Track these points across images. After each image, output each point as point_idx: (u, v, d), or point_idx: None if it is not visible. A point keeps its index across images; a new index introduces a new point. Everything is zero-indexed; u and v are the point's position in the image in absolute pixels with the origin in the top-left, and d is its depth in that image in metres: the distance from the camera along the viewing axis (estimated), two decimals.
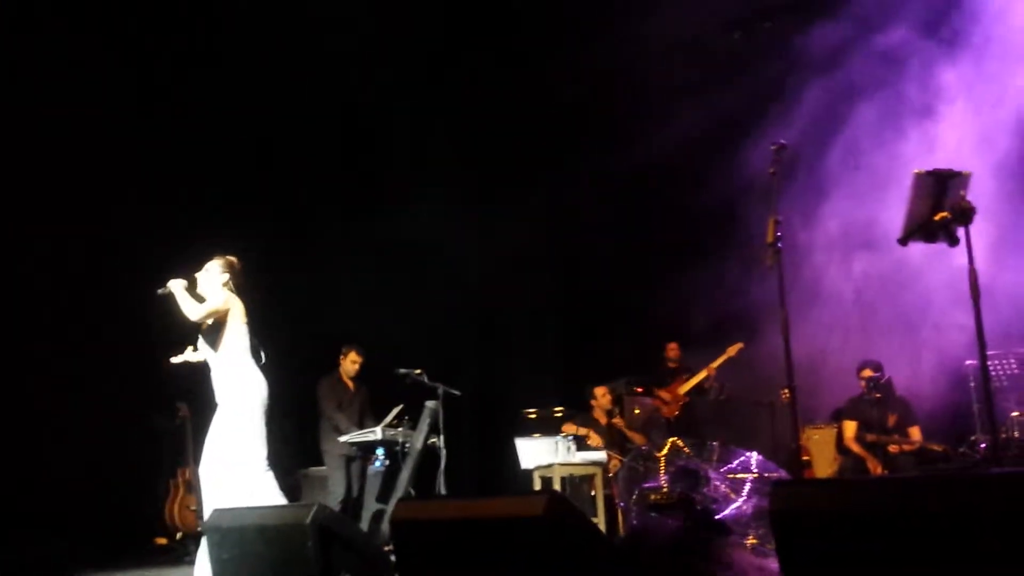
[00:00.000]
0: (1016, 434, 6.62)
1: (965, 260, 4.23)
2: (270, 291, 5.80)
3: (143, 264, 7.76)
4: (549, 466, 7.33)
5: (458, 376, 7.79)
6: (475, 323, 10.36)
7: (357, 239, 9.07)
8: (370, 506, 7.67)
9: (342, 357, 7.91)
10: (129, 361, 7.90)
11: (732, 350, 8.33)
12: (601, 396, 8.45)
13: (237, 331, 5.43)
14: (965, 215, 4.28)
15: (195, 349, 5.58)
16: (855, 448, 7.23)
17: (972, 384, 6.96)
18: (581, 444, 7.74)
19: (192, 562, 5.53)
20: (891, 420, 7.20)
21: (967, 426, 6.96)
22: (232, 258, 5.62)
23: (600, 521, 7.15)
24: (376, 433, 7.30)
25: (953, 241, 4.40)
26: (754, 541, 5.36)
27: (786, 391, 5.93)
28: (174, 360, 5.63)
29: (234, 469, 5.18)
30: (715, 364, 8.39)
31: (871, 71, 7.53)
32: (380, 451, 7.65)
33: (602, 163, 9.45)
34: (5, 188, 7.22)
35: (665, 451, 6.14)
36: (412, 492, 7.09)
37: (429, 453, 7.19)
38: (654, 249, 9.18)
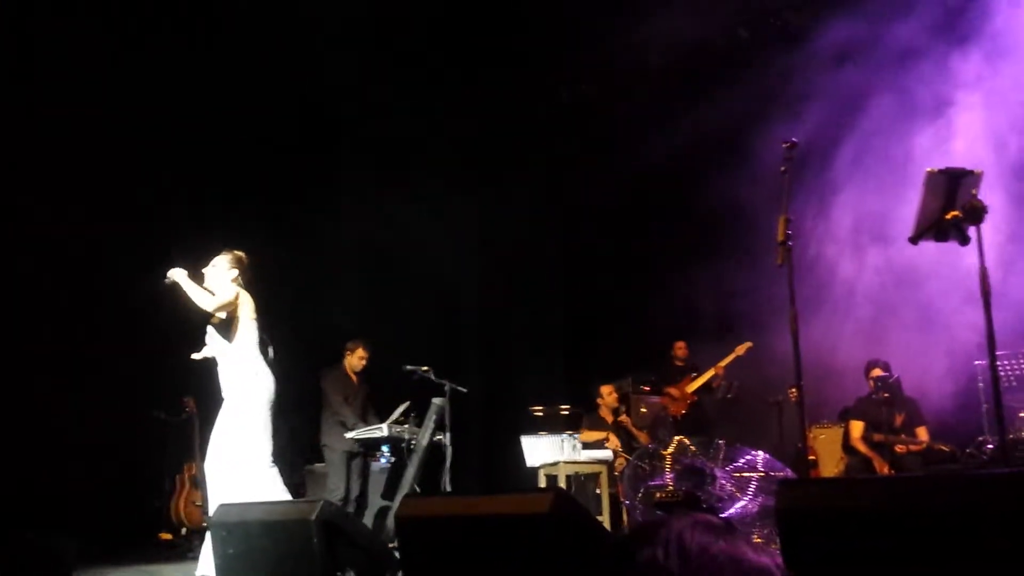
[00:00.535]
0: None
1: (976, 259, 4.20)
2: (273, 285, 5.75)
3: (149, 258, 7.79)
4: (555, 464, 7.32)
5: (464, 373, 7.79)
6: (482, 320, 10.35)
7: (361, 235, 9.07)
8: (375, 503, 7.67)
9: (348, 352, 7.88)
10: (134, 356, 7.92)
11: (740, 349, 8.31)
12: (607, 395, 8.44)
13: (247, 326, 5.41)
14: (977, 214, 4.24)
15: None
16: (862, 448, 7.21)
17: (980, 384, 6.92)
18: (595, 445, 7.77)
19: (196, 558, 5.53)
20: (898, 420, 7.17)
21: (975, 426, 6.92)
22: (240, 253, 5.60)
23: (605, 519, 7.14)
24: (382, 430, 7.28)
25: (964, 240, 4.37)
26: (759, 540, 5.34)
27: (794, 390, 5.92)
28: (196, 356, 5.60)
29: (239, 465, 5.19)
30: (723, 363, 8.37)
31: (882, 68, 7.48)
32: (385, 448, 7.65)
33: (610, 160, 9.43)
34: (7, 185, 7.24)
35: (671, 449, 6.12)
36: (417, 489, 7.08)
37: (435, 450, 7.18)
38: (662, 247, 9.16)
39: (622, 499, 7.38)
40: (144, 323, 7.61)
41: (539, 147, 9.82)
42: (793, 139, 4.69)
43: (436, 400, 7.17)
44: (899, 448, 7.07)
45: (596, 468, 7.44)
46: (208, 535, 4.79)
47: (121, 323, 7.84)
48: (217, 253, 5.56)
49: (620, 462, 7.58)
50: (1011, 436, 6.41)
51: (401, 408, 7.43)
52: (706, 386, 8.50)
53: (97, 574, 6.05)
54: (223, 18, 8.15)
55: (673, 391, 8.57)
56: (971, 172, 4.40)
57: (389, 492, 7.49)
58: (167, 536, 8.04)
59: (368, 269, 9.20)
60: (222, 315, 5.39)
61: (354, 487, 7.61)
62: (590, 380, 8.71)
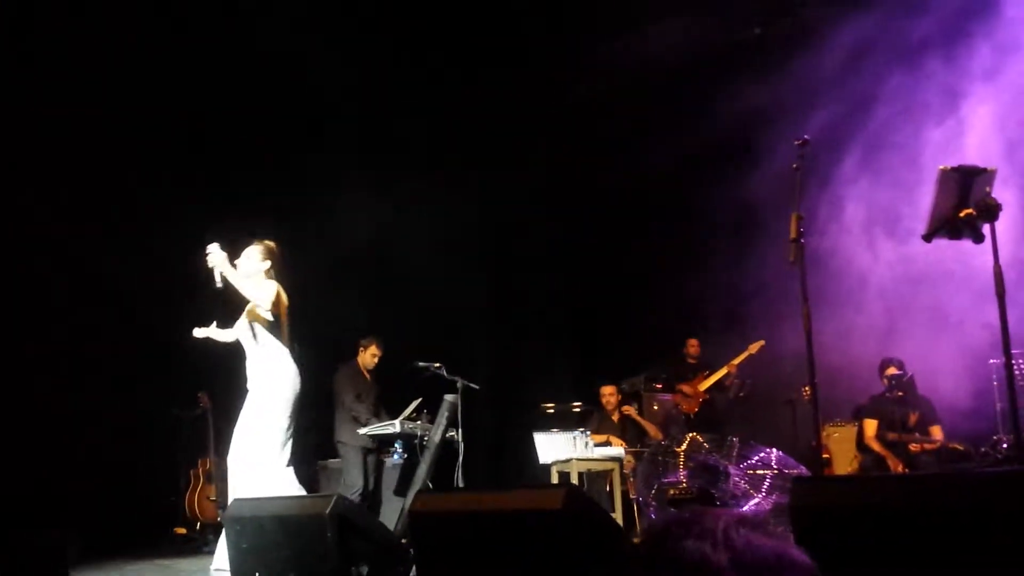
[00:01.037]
0: None
1: (990, 257, 4.19)
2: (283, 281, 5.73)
3: (165, 253, 7.85)
4: (567, 461, 7.33)
5: (477, 370, 7.80)
6: (494, 317, 10.36)
7: (371, 232, 9.09)
8: (388, 499, 7.70)
9: (362, 349, 7.90)
10: (149, 351, 7.96)
11: (754, 347, 8.29)
12: (608, 395, 8.47)
13: (278, 321, 5.34)
14: (991, 212, 4.23)
15: (220, 326, 5.50)
16: (875, 447, 7.19)
17: (995, 383, 6.89)
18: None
19: (211, 552, 5.56)
20: (912, 419, 7.15)
21: (989, 425, 6.89)
22: (271, 243, 5.46)
23: (617, 516, 7.15)
24: (395, 426, 7.31)
25: (978, 238, 4.36)
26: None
27: (807, 388, 5.91)
28: (198, 333, 5.51)
29: (257, 466, 5.18)
30: (736, 361, 8.36)
31: (895, 63, 7.45)
32: (398, 444, 7.67)
33: (624, 157, 9.43)
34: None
35: (685, 446, 6.12)
36: (430, 485, 7.10)
37: (447, 447, 7.20)
38: (675, 244, 9.14)
39: (634, 496, 7.39)
40: (158, 318, 7.65)
41: (548, 143, 9.81)
42: (805, 136, 4.69)
43: (448, 397, 7.19)
44: (913, 447, 7.05)
45: (608, 465, 7.44)
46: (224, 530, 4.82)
47: (134, 318, 7.88)
48: (249, 243, 5.43)
49: (628, 459, 7.59)
50: None
51: (413, 404, 7.45)
52: (719, 384, 8.49)
53: (113, 569, 6.09)
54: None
55: (686, 389, 8.57)
56: (985, 170, 4.39)
57: (402, 489, 7.52)
58: (182, 531, 8.09)
59: (378, 265, 9.21)
60: (269, 315, 5.26)
61: (368, 483, 7.65)
62: (602, 377, 8.71)
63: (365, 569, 4.16)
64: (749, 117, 8.13)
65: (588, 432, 7.55)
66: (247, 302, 5.29)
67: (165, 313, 7.40)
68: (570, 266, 10.41)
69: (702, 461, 5.90)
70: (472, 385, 7.25)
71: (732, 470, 5.79)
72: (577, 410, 8.51)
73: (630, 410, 8.47)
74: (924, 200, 4.60)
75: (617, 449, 7.67)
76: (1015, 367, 6.17)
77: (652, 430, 8.30)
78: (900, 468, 6.91)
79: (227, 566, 4.69)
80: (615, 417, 8.42)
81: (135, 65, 7.82)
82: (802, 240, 4.48)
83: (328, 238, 8.93)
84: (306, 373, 5.53)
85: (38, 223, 7.44)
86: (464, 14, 8.65)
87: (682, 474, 5.92)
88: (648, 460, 6.59)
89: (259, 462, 5.18)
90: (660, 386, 8.85)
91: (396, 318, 8.77)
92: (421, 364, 7.29)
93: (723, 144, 8.48)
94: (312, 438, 8.00)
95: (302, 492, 5.38)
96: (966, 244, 4.46)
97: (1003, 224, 4.29)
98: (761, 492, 5.65)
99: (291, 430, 5.32)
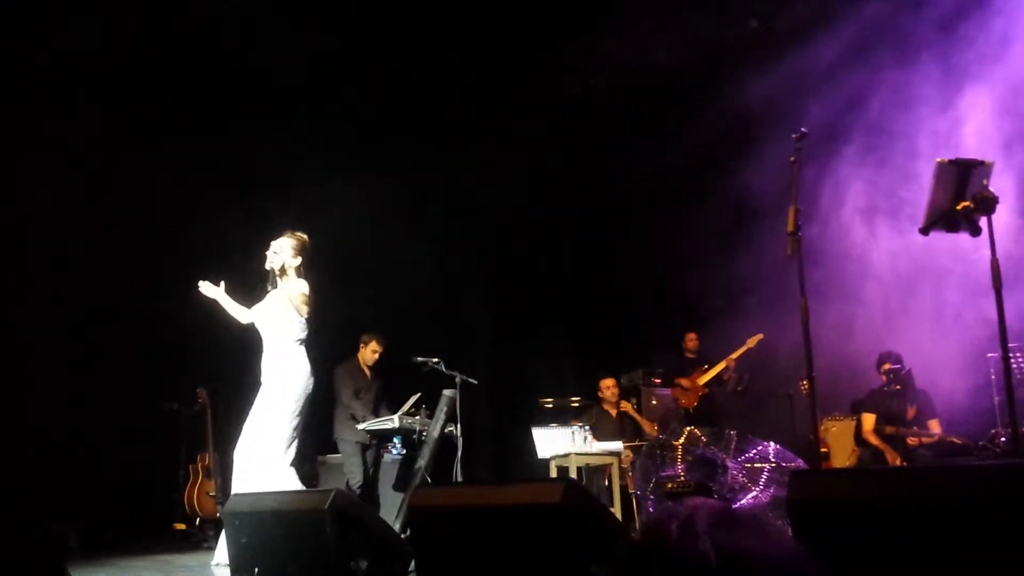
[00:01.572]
0: None
1: (988, 251, 4.19)
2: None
3: (165, 250, 7.85)
4: (566, 455, 7.33)
5: (475, 365, 7.80)
6: (492, 312, 10.36)
7: (371, 227, 9.09)
8: (387, 494, 7.70)
9: (362, 345, 7.90)
10: (148, 347, 7.96)
11: (752, 341, 8.30)
12: (607, 388, 8.47)
13: (302, 319, 5.34)
14: (988, 205, 4.23)
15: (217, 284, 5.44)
16: (874, 440, 7.20)
17: (993, 377, 6.90)
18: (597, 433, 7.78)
19: (211, 548, 5.57)
20: (910, 412, 7.16)
21: (987, 419, 6.90)
22: (304, 236, 5.41)
23: (616, 511, 7.16)
24: (393, 421, 7.32)
25: (975, 231, 4.36)
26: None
27: (805, 382, 5.92)
28: (204, 289, 5.42)
29: (268, 458, 5.18)
30: (735, 355, 8.36)
31: (893, 58, 7.46)
32: (397, 439, 7.68)
33: (621, 152, 9.43)
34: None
35: (683, 440, 6.13)
36: (429, 481, 7.11)
37: (446, 442, 7.21)
38: (672, 238, 9.15)
39: (632, 490, 7.40)
40: (157, 313, 7.65)
41: (547, 140, 9.81)
42: (803, 129, 4.68)
43: (447, 392, 7.20)
44: (911, 440, 7.06)
45: (607, 460, 7.45)
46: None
47: (133, 313, 7.88)
48: (281, 234, 5.38)
49: (626, 455, 7.59)
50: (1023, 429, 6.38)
51: (412, 400, 7.46)
52: (717, 378, 8.50)
53: (112, 564, 6.09)
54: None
55: (684, 383, 8.58)
56: (982, 162, 4.39)
57: (401, 484, 7.53)
58: (181, 526, 8.10)
59: (377, 260, 9.21)
60: (304, 315, 5.25)
61: (367, 478, 7.65)
62: (601, 372, 8.72)
63: (364, 564, 4.17)
64: (747, 110, 8.13)
65: (587, 427, 7.56)
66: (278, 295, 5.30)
67: (165, 308, 7.40)
68: (568, 261, 10.41)
69: (700, 455, 5.91)
70: (471, 380, 7.25)
71: (730, 463, 5.80)
72: (575, 405, 8.51)
73: (628, 406, 8.47)
74: (923, 193, 4.60)
75: (616, 443, 7.67)
76: (1013, 361, 6.18)
77: (648, 427, 8.31)
78: (898, 462, 6.92)
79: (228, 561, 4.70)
80: (613, 412, 8.42)
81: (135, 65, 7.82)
82: (800, 233, 4.48)
83: (328, 233, 8.93)
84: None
85: (34, 218, 7.43)
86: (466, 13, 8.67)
87: (680, 468, 5.93)
88: (646, 454, 6.59)
89: (269, 460, 5.18)
90: (659, 381, 8.86)
91: (395, 313, 8.77)
92: (419, 359, 7.29)
93: (721, 137, 8.47)
94: (312, 433, 8.01)
95: (299, 485, 5.39)
96: (964, 237, 4.46)
97: (1001, 217, 4.29)
98: (759, 485, 5.66)
99: (299, 429, 5.33)
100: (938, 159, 4.43)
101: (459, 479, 6.97)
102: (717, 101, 8.42)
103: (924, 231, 4.55)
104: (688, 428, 6.49)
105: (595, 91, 9.65)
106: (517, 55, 9.20)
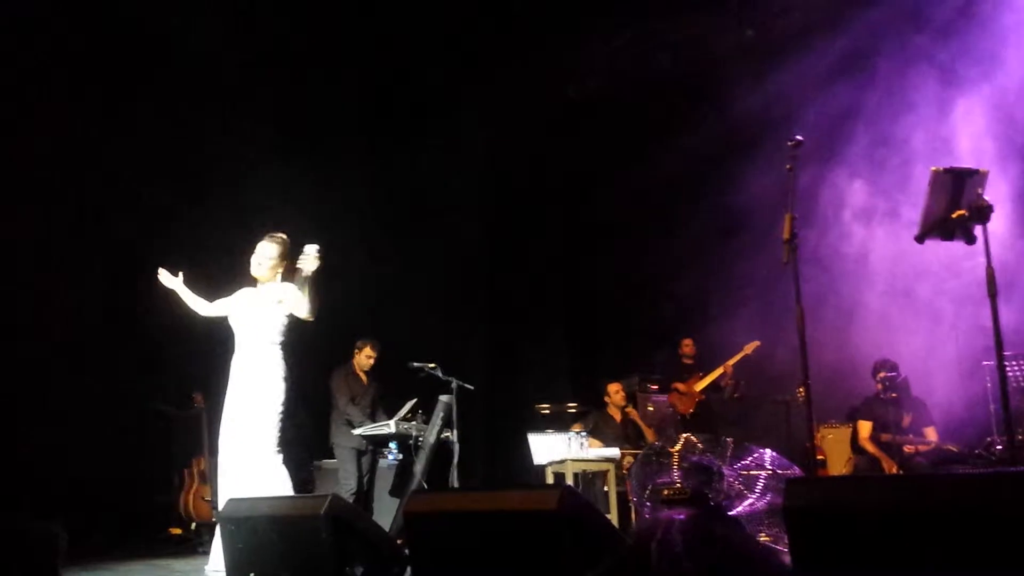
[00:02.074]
0: None
1: (983, 258, 4.21)
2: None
3: (156, 253, 7.82)
4: (562, 462, 7.33)
5: (472, 371, 7.80)
6: (489, 318, 10.37)
7: (369, 231, 9.10)
8: (383, 500, 7.70)
9: (357, 351, 7.90)
10: (142, 350, 7.95)
11: (748, 348, 8.31)
12: (614, 392, 8.45)
13: (291, 323, 5.36)
14: (983, 213, 4.25)
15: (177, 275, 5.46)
16: (870, 448, 7.20)
17: (989, 385, 6.91)
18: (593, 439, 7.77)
19: (206, 552, 5.55)
20: (906, 420, 7.16)
21: (983, 427, 6.91)
22: (284, 237, 5.43)
23: (613, 517, 7.15)
24: (389, 427, 7.31)
25: (970, 239, 4.38)
26: (767, 538, 5.35)
27: (801, 389, 5.92)
28: (164, 278, 5.44)
29: (257, 455, 5.18)
30: (731, 362, 8.38)
31: (890, 65, 7.48)
32: (393, 445, 7.67)
33: (617, 160, 9.44)
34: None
35: (679, 447, 6.13)
36: (425, 486, 7.11)
37: (442, 447, 7.20)
38: (669, 244, 9.16)
39: (630, 497, 7.39)
40: (153, 316, 7.64)
41: (544, 145, 9.83)
42: (799, 137, 4.69)
43: (443, 397, 7.20)
44: (907, 448, 7.06)
45: (604, 466, 7.45)
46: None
47: (126, 316, 7.87)
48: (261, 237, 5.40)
49: (628, 460, 7.59)
50: (1019, 437, 6.39)
51: (408, 405, 7.45)
52: (714, 385, 8.51)
53: (107, 568, 6.08)
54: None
55: (681, 388, 8.58)
56: (977, 171, 4.41)
57: (397, 489, 7.52)
58: (176, 531, 8.08)
59: (375, 265, 9.22)
60: (306, 312, 5.26)
61: (363, 484, 7.64)
62: (597, 378, 8.71)
63: (360, 570, 4.16)
64: (743, 117, 8.15)
65: (584, 433, 7.55)
66: (272, 296, 5.31)
67: (161, 310, 7.38)
68: (565, 267, 10.42)
69: (696, 461, 5.90)
70: (467, 386, 7.25)
71: (726, 470, 5.79)
72: (572, 411, 8.51)
73: (633, 412, 8.47)
74: (919, 200, 4.61)
75: (612, 449, 7.67)
76: (1008, 369, 6.19)
77: (650, 435, 8.30)
78: (894, 469, 6.92)
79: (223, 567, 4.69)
80: (618, 417, 8.40)
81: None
82: (796, 241, 4.49)
83: (323, 237, 8.93)
84: (302, 374, 5.53)
85: (25, 218, 7.43)
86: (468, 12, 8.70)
87: (676, 474, 5.93)
88: (642, 461, 6.59)
89: (262, 462, 5.18)
90: (655, 387, 8.86)
91: (391, 318, 8.77)
92: (415, 364, 7.29)
93: (718, 144, 8.49)
94: (306, 439, 8.01)
95: (292, 491, 5.38)
96: (959, 245, 4.48)
97: (996, 226, 4.31)
98: (755, 492, 5.65)
99: (287, 428, 5.33)
100: (933, 168, 4.45)
101: (455, 485, 6.97)
102: (712, 108, 8.44)
103: (919, 239, 4.57)
104: (684, 435, 6.48)
105: (590, 94, 9.66)
106: (516, 55, 9.23)
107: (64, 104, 7.54)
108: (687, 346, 8.79)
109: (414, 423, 7.37)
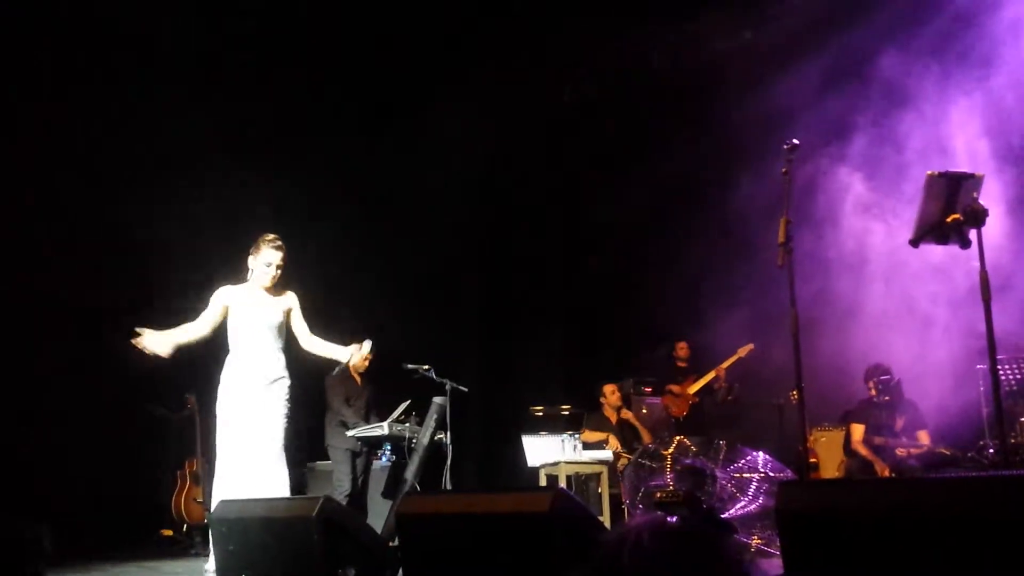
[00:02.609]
0: None
1: (977, 262, 4.21)
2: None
3: (152, 256, 7.81)
4: (555, 464, 7.33)
5: (466, 373, 7.79)
6: (483, 319, 10.36)
7: (365, 231, 9.08)
8: (376, 501, 7.68)
9: None
10: (135, 351, 7.92)
11: (742, 351, 8.32)
12: (610, 394, 8.45)
13: (289, 328, 5.47)
14: (977, 217, 4.25)
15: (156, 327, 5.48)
16: (863, 451, 7.21)
17: (982, 388, 6.92)
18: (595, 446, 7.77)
19: (198, 554, 5.53)
20: (899, 423, 7.17)
21: (976, 430, 6.92)
22: (280, 242, 5.46)
23: (606, 519, 7.15)
24: (383, 428, 7.29)
25: (965, 244, 4.38)
26: (759, 541, 5.36)
27: (795, 392, 5.93)
28: (146, 341, 5.45)
29: (270, 461, 5.20)
30: (725, 365, 8.38)
31: (887, 68, 7.49)
32: (387, 446, 7.66)
33: (615, 163, 9.45)
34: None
35: (672, 449, 6.13)
36: (418, 488, 7.09)
37: (436, 449, 7.18)
38: (664, 247, 9.17)
39: (623, 499, 7.39)
40: (148, 317, 7.60)
41: (541, 147, 9.82)
42: (794, 140, 4.70)
43: (437, 399, 7.18)
44: (900, 451, 7.07)
45: (597, 468, 7.44)
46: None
47: (120, 317, 7.84)
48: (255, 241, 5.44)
49: (622, 462, 7.59)
50: (1012, 440, 6.41)
51: (402, 407, 7.44)
52: (708, 387, 8.51)
53: (98, 570, 6.06)
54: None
55: (675, 391, 8.58)
56: (972, 175, 4.41)
57: (390, 490, 7.50)
58: (168, 532, 8.05)
59: (372, 264, 9.20)
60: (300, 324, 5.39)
61: (356, 485, 7.62)
62: (591, 380, 8.71)
63: (352, 571, 4.15)
64: (739, 121, 8.15)
65: (578, 436, 7.55)
66: (264, 303, 5.37)
67: (157, 311, 7.36)
68: (560, 269, 10.41)
69: (689, 464, 5.91)
70: (461, 388, 7.24)
71: (719, 473, 5.80)
72: (566, 413, 8.51)
73: (629, 415, 8.47)
74: (914, 205, 4.61)
75: (606, 452, 7.67)
76: (1001, 373, 6.21)
77: (647, 437, 8.30)
78: (887, 472, 6.93)
79: None
80: (614, 418, 8.40)
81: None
82: (790, 244, 4.49)
83: (321, 239, 8.94)
84: (295, 375, 5.52)
85: (22, 221, 7.41)
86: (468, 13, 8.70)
87: (669, 477, 5.93)
88: (635, 463, 6.59)
89: (274, 467, 5.20)
90: (649, 389, 8.86)
91: (386, 320, 8.75)
92: (410, 366, 7.27)
93: (714, 148, 8.50)
94: (301, 440, 7.98)
95: (288, 492, 5.37)
96: (954, 249, 4.48)
97: (990, 228, 4.31)
98: (748, 495, 5.66)
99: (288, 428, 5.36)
100: (928, 171, 4.45)
101: (448, 487, 6.96)
102: (709, 111, 8.44)
103: (914, 243, 4.57)
104: (678, 437, 6.49)
105: (588, 95, 9.67)
106: (515, 55, 9.23)
107: (60, 104, 7.52)
108: (682, 349, 8.79)
109: (408, 425, 7.35)
